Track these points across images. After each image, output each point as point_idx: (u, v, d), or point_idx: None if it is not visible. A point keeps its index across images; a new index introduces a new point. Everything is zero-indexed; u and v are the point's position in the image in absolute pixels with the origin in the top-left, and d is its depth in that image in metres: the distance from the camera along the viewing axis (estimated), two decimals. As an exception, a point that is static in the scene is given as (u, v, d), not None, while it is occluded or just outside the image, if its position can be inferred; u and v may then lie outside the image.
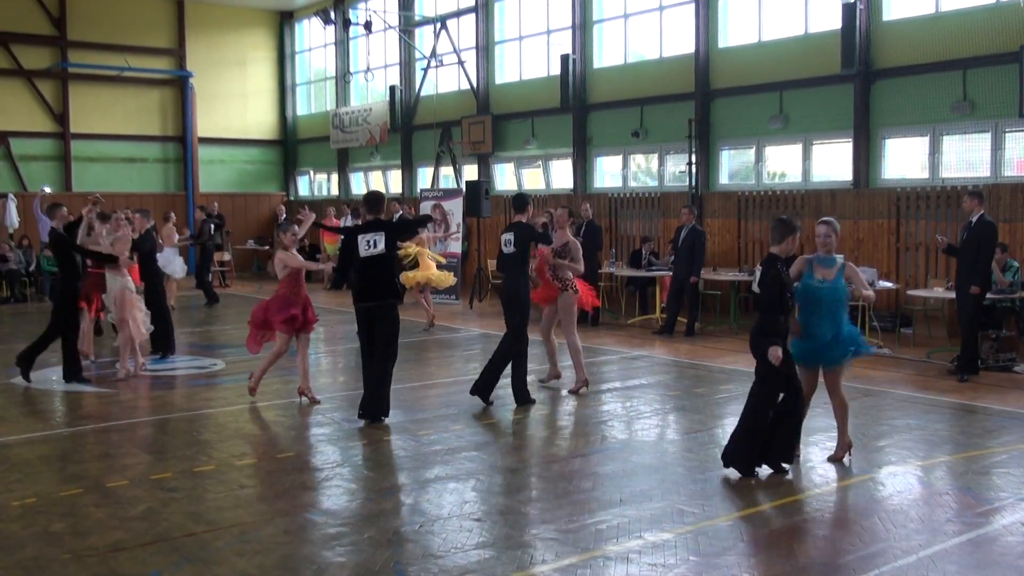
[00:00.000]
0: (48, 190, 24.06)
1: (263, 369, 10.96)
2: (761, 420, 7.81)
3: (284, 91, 33.01)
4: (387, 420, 9.88)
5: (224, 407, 10.87)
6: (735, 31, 19.29)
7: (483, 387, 10.72)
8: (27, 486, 7.73)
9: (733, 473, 7.84)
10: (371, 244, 9.85)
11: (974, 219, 12.08)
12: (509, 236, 10.86)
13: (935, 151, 16.16)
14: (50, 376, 12.73)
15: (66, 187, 28.36)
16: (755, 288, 7.88)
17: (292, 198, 32.81)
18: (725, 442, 9.10)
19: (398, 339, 9.92)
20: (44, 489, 7.64)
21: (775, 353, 7.67)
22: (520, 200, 11.09)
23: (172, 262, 19.43)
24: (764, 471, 7.89)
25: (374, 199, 10.26)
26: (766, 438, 7.82)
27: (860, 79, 16.79)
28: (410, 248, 16.42)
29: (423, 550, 6.26)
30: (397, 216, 20.16)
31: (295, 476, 8.07)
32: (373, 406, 9.85)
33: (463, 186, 23.14)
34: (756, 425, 7.81)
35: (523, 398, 10.70)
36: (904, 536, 6.46)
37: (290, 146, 33.20)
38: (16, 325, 18.54)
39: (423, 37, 27.28)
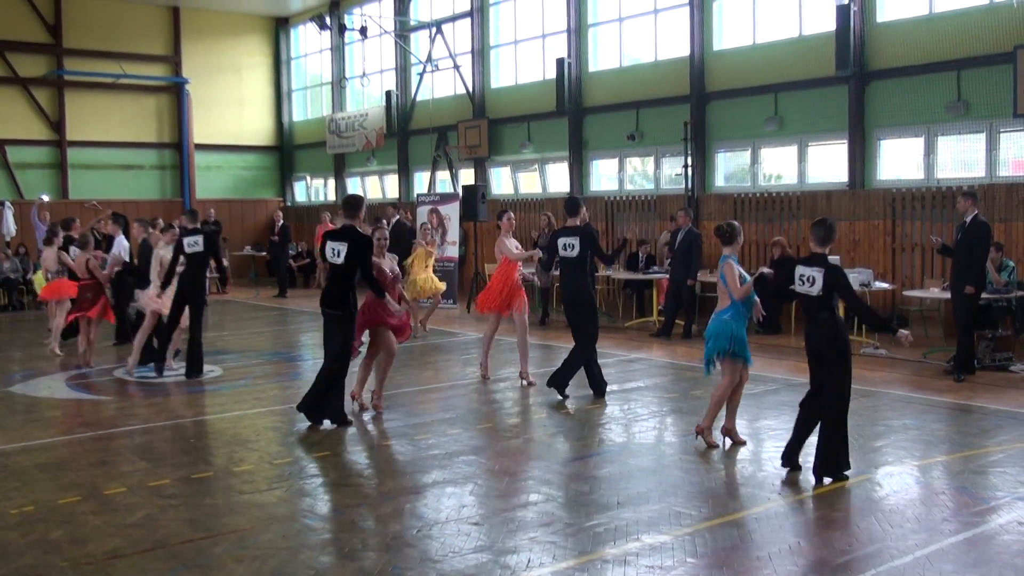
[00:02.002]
0: (46, 198, 24.06)
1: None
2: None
3: (280, 97, 33.03)
4: (325, 426, 9.95)
5: (221, 413, 10.88)
6: (730, 34, 19.32)
7: (559, 382, 11.11)
8: (25, 494, 7.73)
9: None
10: (335, 253, 9.74)
11: (968, 219, 12.11)
12: (572, 240, 10.84)
13: (930, 152, 16.19)
14: (47, 384, 12.73)
15: (63, 195, 28.36)
16: (816, 292, 7.72)
17: (289, 204, 32.82)
18: (726, 442, 9.12)
19: (339, 348, 9.90)
20: (42, 497, 7.64)
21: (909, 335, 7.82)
22: (573, 204, 11.08)
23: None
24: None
25: (349, 203, 10.06)
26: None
27: (855, 80, 16.82)
28: (414, 257, 16.25)
29: (421, 555, 6.27)
30: (394, 221, 20.16)
31: (292, 482, 8.08)
32: (312, 405, 9.98)
33: (460, 190, 23.15)
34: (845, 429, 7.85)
35: (601, 390, 11.23)
36: (901, 536, 6.48)
37: (286, 152, 33.21)
38: (13, 333, 18.54)
39: (418, 42, 27.30)
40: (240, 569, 6.03)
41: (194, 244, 12.71)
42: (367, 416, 10.47)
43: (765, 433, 9.66)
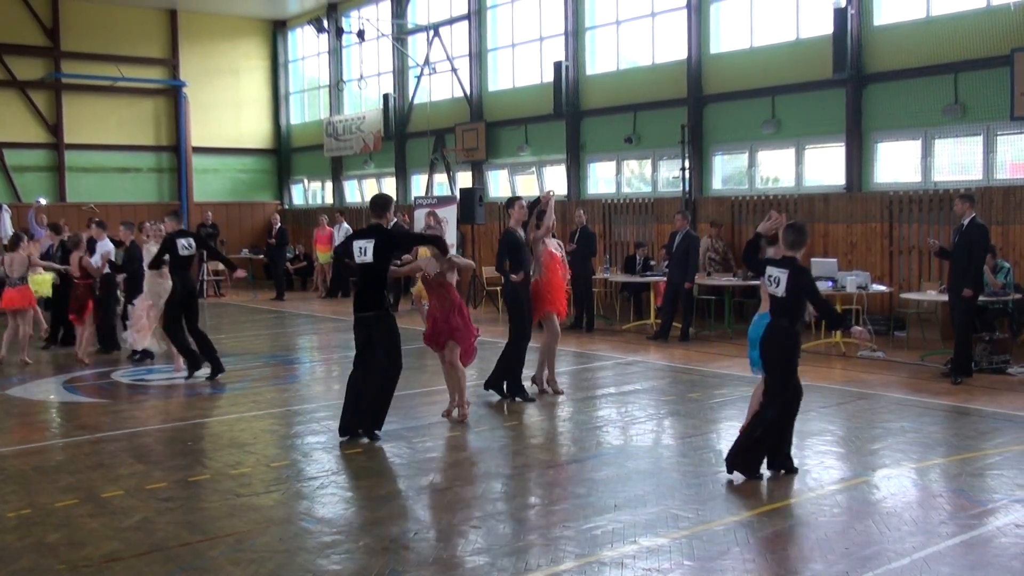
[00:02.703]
0: (43, 201, 24.04)
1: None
2: (772, 424, 7.90)
3: (277, 100, 33.03)
4: (379, 433, 9.55)
5: (219, 416, 10.87)
6: (727, 37, 19.34)
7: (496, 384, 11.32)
8: (22, 497, 7.72)
9: (737, 477, 7.89)
10: (362, 251, 9.43)
11: (965, 222, 12.11)
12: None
13: (927, 154, 16.21)
14: (45, 387, 12.73)
15: (60, 198, 28.36)
16: (780, 293, 7.80)
17: (286, 207, 32.82)
18: (720, 446, 9.13)
19: (388, 351, 9.41)
20: (39, 500, 7.63)
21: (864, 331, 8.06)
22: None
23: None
24: (766, 473, 7.97)
25: (376, 202, 9.77)
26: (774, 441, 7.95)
27: (852, 83, 16.85)
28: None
29: (419, 557, 6.26)
30: (392, 224, 20.13)
31: (290, 485, 8.07)
32: (367, 420, 9.47)
33: (457, 193, 23.16)
34: (770, 429, 7.91)
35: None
36: (898, 538, 6.48)
37: (284, 155, 33.21)
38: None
39: (416, 45, 27.31)
40: (237, 572, 6.02)
41: (188, 247, 12.82)
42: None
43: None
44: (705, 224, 18.40)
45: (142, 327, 13.91)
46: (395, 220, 20.76)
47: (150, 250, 13.87)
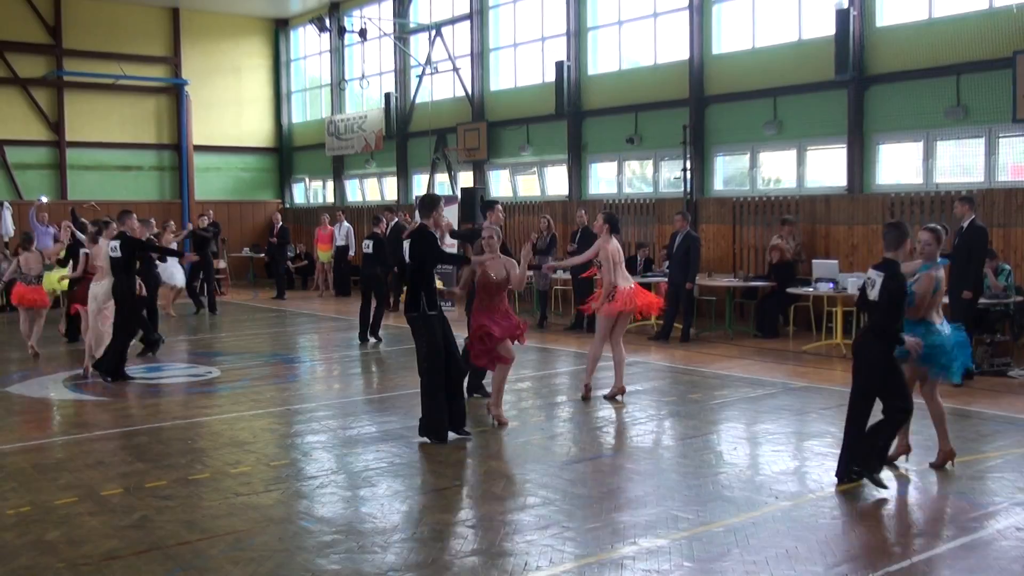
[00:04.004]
0: (45, 200, 24.05)
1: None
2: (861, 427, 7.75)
3: (279, 99, 33.02)
4: (427, 439, 9.40)
5: (219, 415, 10.86)
6: (729, 37, 19.32)
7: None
8: (22, 495, 7.72)
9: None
10: (406, 252, 9.50)
11: (965, 224, 12.11)
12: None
13: (929, 156, 16.19)
14: (45, 384, 12.73)
15: (61, 195, 28.34)
16: (873, 296, 7.51)
17: (288, 205, 32.82)
18: (721, 447, 9.13)
19: (422, 355, 9.35)
20: (39, 498, 7.62)
21: (917, 341, 7.68)
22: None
23: (175, 270, 19.60)
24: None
25: (422, 202, 9.67)
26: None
27: (854, 85, 16.83)
28: None
29: (418, 557, 6.26)
30: (393, 223, 20.14)
31: (289, 484, 8.07)
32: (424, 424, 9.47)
33: (458, 193, 23.16)
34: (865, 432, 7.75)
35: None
36: (899, 541, 6.48)
37: (285, 153, 33.20)
38: (11, 334, 18.50)
39: (418, 44, 27.31)
40: (236, 571, 6.02)
41: (113, 249, 12.82)
42: (363, 420, 10.45)
43: (762, 437, 9.64)
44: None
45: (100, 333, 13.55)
46: (396, 220, 20.82)
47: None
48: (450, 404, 9.43)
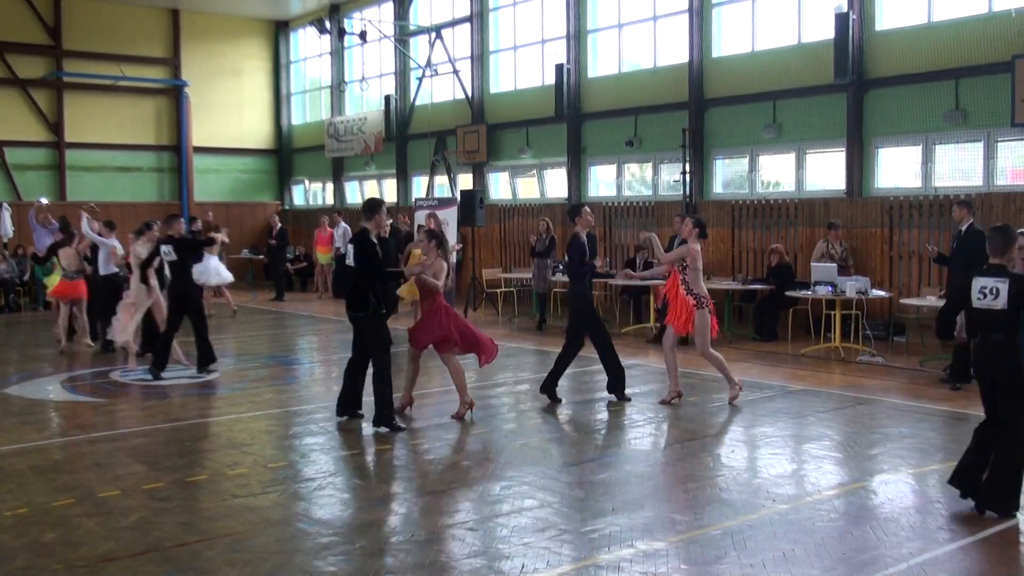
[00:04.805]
0: (45, 201, 24.02)
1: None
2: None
3: (279, 100, 33.05)
4: (381, 429, 9.85)
5: (217, 417, 10.87)
6: (729, 41, 19.35)
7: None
8: (19, 496, 7.72)
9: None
10: (349, 255, 10.01)
11: (963, 228, 12.12)
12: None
13: (928, 160, 16.21)
14: (44, 386, 12.73)
15: (61, 196, 28.35)
16: (1001, 305, 7.00)
17: (287, 207, 32.83)
18: (719, 451, 9.13)
19: (379, 349, 9.95)
20: (36, 499, 7.62)
21: None
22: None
23: (219, 267, 20.67)
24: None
25: (364, 205, 10.32)
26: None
27: (853, 88, 16.85)
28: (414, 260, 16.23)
29: (415, 560, 6.26)
30: (388, 225, 20.08)
31: (287, 486, 8.06)
32: (352, 403, 10.30)
33: (458, 195, 23.17)
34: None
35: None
36: (896, 544, 6.48)
37: (285, 155, 33.22)
38: (10, 335, 18.53)
39: (418, 46, 27.32)
40: (233, 573, 6.02)
41: (167, 253, 13.33)
42: (361, 421, 10.46)
43: (760, 440, 9.65)
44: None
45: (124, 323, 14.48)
46: (391, 222, 20.77)
47: (138, 252, 14.03)
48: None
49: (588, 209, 11.59)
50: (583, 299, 11.40)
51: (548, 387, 11.38)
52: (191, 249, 13.61)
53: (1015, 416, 7.02)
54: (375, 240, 10.00)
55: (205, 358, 13.42)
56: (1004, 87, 14.71)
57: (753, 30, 18.82)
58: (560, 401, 11.32)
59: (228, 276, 21.01)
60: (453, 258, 21.88)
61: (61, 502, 7.52)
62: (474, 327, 10.72)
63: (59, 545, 6.55)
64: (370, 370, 10.10)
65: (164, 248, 13.29)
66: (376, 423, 9.90)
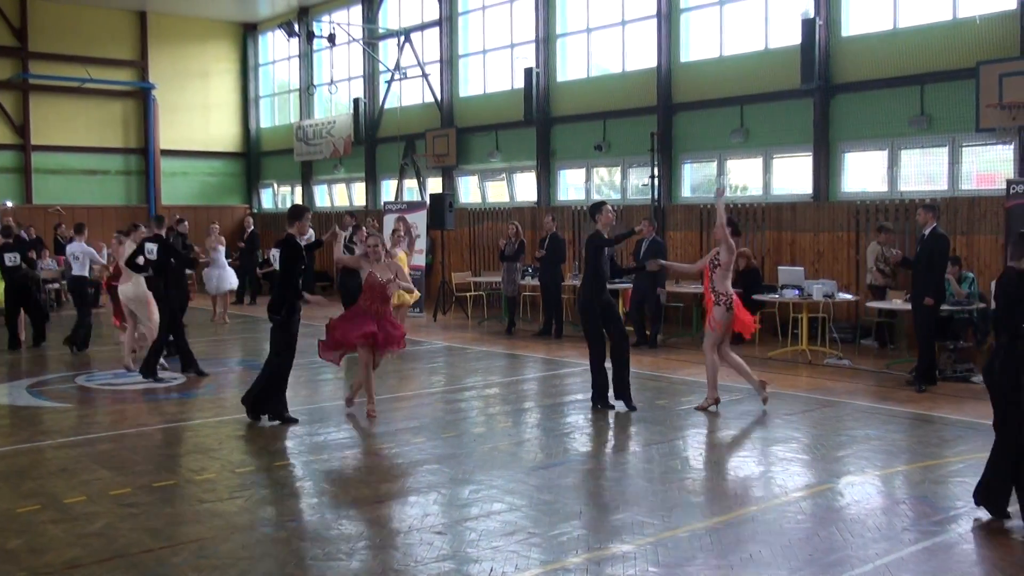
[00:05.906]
0: (9, 204, 23.81)
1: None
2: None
3: (247, 103, 32.89)
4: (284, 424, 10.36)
5: (184, 422, 10.79)
6: (697, 46, 19.45)
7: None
8: (-18, 503, 7.64)
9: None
10: (273, 259, 10.35)
11: (927, 232, 12.24)
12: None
13: (894, 165, 16.37)
14: (8, 391, 12.59)
15: (26, 199, 28.09)
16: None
17: (256, 211, 32.66)
18: (687, 453, 9.18)
19: (275, 353, 10.47)
20: (0, 505, 7.53)
21: None
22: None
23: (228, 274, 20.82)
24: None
25: (289, 212, 10.69)
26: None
27: (820, 94, 16.99)
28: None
29: (383, 564, 6.24)
30: (351, 229, 19.98)
31: (255, 491, 8.02)
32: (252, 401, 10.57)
33: (427, 199, 23.15)
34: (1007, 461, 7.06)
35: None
36: (862, 545, 6.53)
37: (253, 158, 33.06)
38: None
39: (387, 50, 27.29)
40: (200, 579, 5.98)
41: (149, 252, 13.24)
42: (329, 426, 10.42)
43: (728, 443, 9.70)
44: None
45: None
46: (355, 224, 20.62)
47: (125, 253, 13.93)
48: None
49: (610, 207, 11.35)
50: (606, 301, 11.16)
51: (622, 394, 11.10)
52: (175, 255, 13.69)
53: (1001, 415, 7.08)
54: (301, 244, 10.46)
55: (151, 362, 13.23)
56: (968, 93, 14.86)
57: (721, 35, 18.94)
58: (635, 408, 11.02)
59: (235, 283, 21.35)
60: (422, 260, 21.86)
61: (26, 508, 7.44)
62: (354, 323, 10.74)
63: (24, 552, 6.48)
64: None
65: (148, 246, 13.18)
66: (245, 400, 10.60)
